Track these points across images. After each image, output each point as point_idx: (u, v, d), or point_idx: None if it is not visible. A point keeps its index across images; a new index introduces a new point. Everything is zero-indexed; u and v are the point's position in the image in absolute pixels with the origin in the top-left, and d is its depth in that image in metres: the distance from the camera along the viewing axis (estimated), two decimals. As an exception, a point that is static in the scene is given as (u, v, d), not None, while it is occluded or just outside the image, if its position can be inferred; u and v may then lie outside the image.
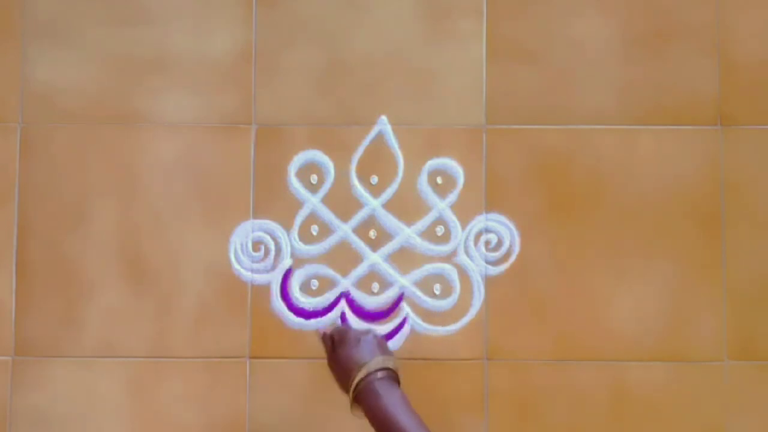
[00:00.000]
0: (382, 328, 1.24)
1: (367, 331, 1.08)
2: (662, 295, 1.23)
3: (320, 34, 1.27)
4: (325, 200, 1.26)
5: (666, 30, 1.26)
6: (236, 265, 1.25)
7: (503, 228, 1.25)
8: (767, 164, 1.25)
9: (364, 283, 1.25)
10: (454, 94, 1.26)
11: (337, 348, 1.08)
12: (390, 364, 1.04)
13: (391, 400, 1.01)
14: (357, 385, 1.02)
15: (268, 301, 1.25)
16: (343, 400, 1.22)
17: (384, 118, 1.26)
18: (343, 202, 1.26)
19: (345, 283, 1.25)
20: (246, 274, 1.25)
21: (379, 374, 1.03)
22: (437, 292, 1.24)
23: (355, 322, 1.24)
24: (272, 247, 1.25)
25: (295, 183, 1.26)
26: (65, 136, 1.27)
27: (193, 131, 1.27)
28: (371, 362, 1.03)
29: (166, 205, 1.26)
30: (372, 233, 1.24)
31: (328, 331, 1.11)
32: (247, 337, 1.24)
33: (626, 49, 1.26)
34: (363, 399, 1.02)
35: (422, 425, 1.00)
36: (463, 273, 1.24)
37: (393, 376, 1.04)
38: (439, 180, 1.25)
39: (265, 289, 1.25)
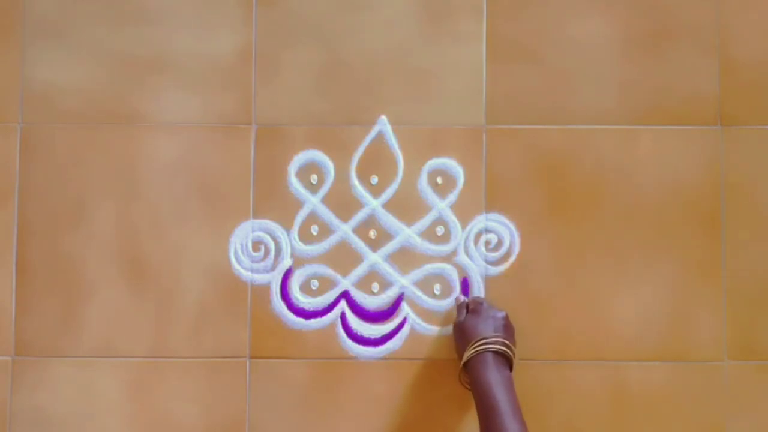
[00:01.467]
0: (382, 328, 1.24)
1: (500, 311, 1.13)
2: (662, 295, 1.23)
3: (320, 34, 1.27)
4: (325, 200, 1.26)
5: (666, 30, 1.26)
6: (236, 265, 1.25)
7: (503, 228, 1.25)
8: (767, 164, 1.25)
9: (364, 283, 1.25)
10: (454, 94, 1.26)
11: (468, 315, 1.12)
12: (507, 350, 1.07)
13: (496, 376, 1.04)
14: (470, 353, 1.05)
15: (268, 301, 1.25)
16: (344, 400, 1.23)
17: (384, 118, 1.26)
18: (343, 202, 1.26)
19: (345, 283, 1.25)
20: (246, 274, 1.25)
21: (494, 350, 1.06)
22: (437, 292, 1.24)
23: (355, 323, 1.24)
24: (272, 247, 1.25)
25: (295, 183, 1.26)
26: (65, 136, 1.27)
27: (193, 131, 1.27)
28: (492, 338, 1.07)
29: (166, 205, 1.26)
30: (372, 233, 1.24)
31: (466, 300, 1.17)
32: (247, 337, 1.24)
33: (626, 49, 1.26)
34: (472, 368, 1.05)
35: (517, 408, 1.03)
36: (463, 273, 1.24)
37: (508, 358, 1.08)
38: (439, 180, 1.25)
39: (265, 289, 1.25)
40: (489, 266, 1.24)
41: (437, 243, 1.25)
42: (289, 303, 1.25)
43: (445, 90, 1.26)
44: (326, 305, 1.25)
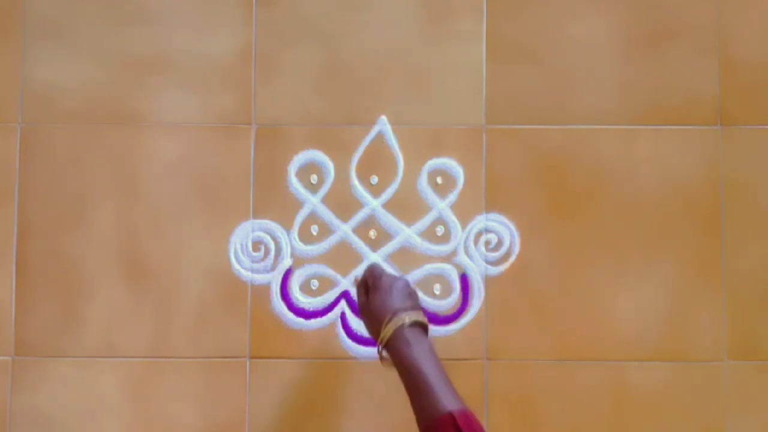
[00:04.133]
0: (382, 328, 1.24)
1: (399, 279, 1.08)
2: (662, 295, 1.23)
3: (320, 34, 1.27)
4: (325, 200, 1.26)
5: (666, 30, 1.26)
6: (236, 265, 1.25)
7: (503, 228, 1.25)
8: (767, 164, 1.25)
9: (364, 283, 1.25)
10: (454, 94, 1.26)
11: (370, 294, 1.08)
12: (420, 318, 1.05)
13: (419, 348, 1.02)
14: (386, 333, 1.03)
15: (268, 301, 1.25)
16: (344, 400, 1.23)
17: (384, 118, 1.26)
18: (343, 202, 1.26)
19: (345, 283, 1.25)
20: (246, 274, 1.25)
21: (409, 323, 1.03)
22: (437, 292, 1.24)
23: (355, 323, 1.24)
24: (272, 247, 1.25)
25: (295, 183, 1.26)
26: (65, 136, 1.27)
27: (193, 131, 1.27)
28: (403, 313, 1.03)
29: (166, 205, 1.26)
30: (372, 233, 1.24)
31: (363, 276, 1.11)
32: (247, 337, 1.24)
33: (626, 49, 1.26)
34: (392, 347, 1.03)
35: (446, 377, 1.01)
36: (463, 273, 1.24)
37: (422, 326, 1.05)
38: (439, 180, 1.25)
39: (265, 289, 1.25)
40: (489, 266, 1.24)
41: (437, 243, 1.25)
42: (289, 303, 1.25)
43: (445, 90, 1.26)
44: (326, 305, 1.25)
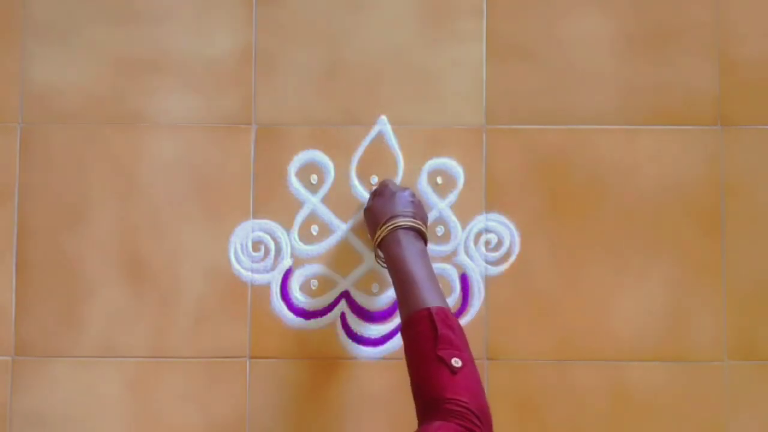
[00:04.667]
0: (382, 328, 1.24)
1: (405, 189, 1.16)
2: (662, 295, 1.23)
3: (320, 34, 1.27)
4: (325, 200, 1.26)
5: (666, 30, 1.26)
6: (236, 265, 1.25)
7: (503, 228, 1.25)
8: (767, 164, 1.25)
9: (364, 283, 1.25)
10: (454, 94, 1.26)
11: (374, 198, 1.16)
12: (417, 225, 1.10)
13: (410, 249, 1.07)
14: (382, 232, 1.09)
15: (268, 301, 1.25)
16: (344, 400, 1.23)
17: (384, 118, 1.26)
18: (343, 202, 1.26)
19: (345, 283, 1.25)
20: (246, 274, 1.25)
21: (405, 226, 1.09)
22: (437, 292, 1.24)
23: (355, 323, 1.24)
24: (272, 247, 1.25)
25: (295, 183, 1.26)
26: (65, 136, 1.27)
27: (193, 131, 1.27)
28: (400, 218, 1.10)
29: (166, 205, 1.26)
30: (368, 231, 1.24)
31: (374, 187, 1.19)
32: (247, 337, 1.24)
33: (626, 49, 1.26)
34: (386, 247, 1.09)
35: (433, 278, 1.05)
36: (463, 273, 1.24)
37: (419, 232, 1.10)
38: (439, 180, 1.25)
39: (265, 289, 1.25)
40: (489, 266, 1.25)
41: (437, 243, 1.25)
42: (289, 303, 1.25)
43: (445, 90, 1.26)
44: (326, 305, 1.25)
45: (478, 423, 0.92)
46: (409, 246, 1.08)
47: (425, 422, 0.93)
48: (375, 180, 1.25)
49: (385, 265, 1.13)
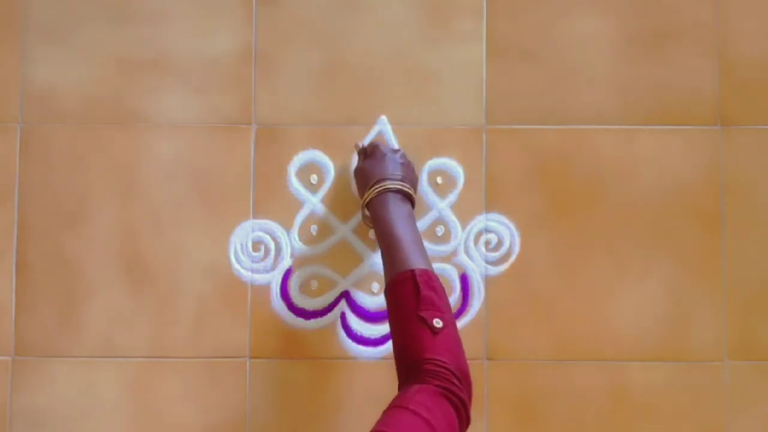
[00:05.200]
0: (382, 328, 1.24)
1: (397, 150, 1.16)
2: (662, 295, 1.23)
3: (320, 34, 1.27)
4: (325, 200, 1.26)
5: (666, 30, 1.26)
6: (236, 265, 1.25)
7: (503, 228, 1.25)
8: (767, 164, 1.25)
9: (364, 283, 1.25)
10: (454, 94, 1.26)
11: (365, 159, 1.15)
12: (405, 188, 1.11)
13: (397, 212, 1.08)
14: (370, 194, 1.10)
15: (268, 301, 1.25)
16: (344, 400, 1.22)
17: (384, 118, 1.26)
18: (343, 202, 1.25)
19: (345, 283, 1.25)
20: (246, 274, 1.25)
21: (393, 188, 1.10)
22: (437, 292, 1.24)
23: (355, 323, 1.24)
24: (272, 247, 1.25)
25: (295, 183, 1.26)
26: (65, 136, 1.27)
27: (193, 131, 1.27)
28: (389, 181, 1.10)
29: (166, 205, 1.26)
30: (372, 233, 1.24)
31: (364, 146, 1.19)
32: (247, 337, 1.24)
33: (626, 49, 1.26)
34: (373, 209, 1.10)
35: (418, 241, 1.06)
36: (463, 273, 1.24)
37: (407, 194, 1.11)
38: (439, 180, 1.25)
39: (265, 289, 1.25)
40: (489, 266, 1.24)
41: (437, 243, 1.25)
42: (289, 303, 1.25)
43: (445, 90, 1.26)
44: (326, 305, 1.25)
45: (457, 383, 0.92)
46: (395, 209, 1.08)
47: (405, 386, 0.93)
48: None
49: (370, 224, 1.14)
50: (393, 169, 1.12)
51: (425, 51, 1.27)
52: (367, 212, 1.13)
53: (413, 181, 1.16)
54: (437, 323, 0.95)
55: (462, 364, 0.95)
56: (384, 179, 1.11)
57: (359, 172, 1.16)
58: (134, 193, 1.26)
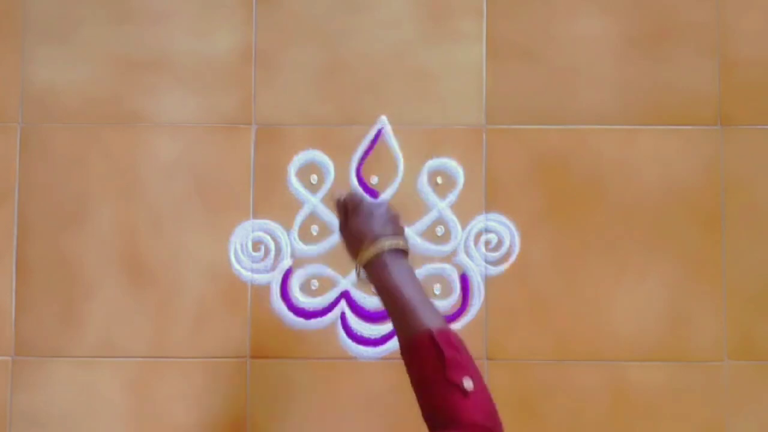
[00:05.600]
0: (382, 328, 1.24)
1: (380, 204, 1.08)
2: (662, 295, 1.23)
3: (320, 34, 1.27)
4: (325, 200, 1.26)
5: (666, 30, 1.26)
6: (236, 265, 1.25)
7: (503, 228, 1.25)
8: (767, 164, 1.25)
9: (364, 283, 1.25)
10: (454, 94, 1.26)
11: (350, 217, 1.08)
12: (401, 244, 1.05)
13: (399, 272, 1.03)
14: (366, 256, 1.03)
15: (268, 301, 1.25)
16: (344, 400, 1.22)
17: (384, 118, 1.26)
18: (343, 202, 1.25)
19: (345, 283, 1.25)
20: (246, 274, 1.25)
21: (388, 248, 1.03)
22: (437, 292, 1.24)
23: (355, 323, 1.24)
24: (272, 247, 1.25)
25: (295, 183, 1.26)
26: (65, 136, 1.27)
27: (193, 131, 1.27)
28: (383, 239, 1.04)
29: (166, 205, 1.26)
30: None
31: (343, 198, 1.09)
32: (247, 337, 1.24)
33: (626, 49, 1.26)
34: (373, 273, 1.04)
35: (426, 298, 1.02)
36: (463, 273, 1.24)
37: (402, 250, 1.05)
38: (439, 180, 1.25)
39: (265, 289, 1.25)
40: (489, 266, 1.24)
41: (437, 243, 1.25)
42: (289, 303, 1.25)
43: (445, 90, 1.26)
44: (326, 305, 1.25)
45: None
46: (396, 269, 1.03)
47: None
48: (375, 181, 1.25)
49: (365, 280, 1.07)
50: (383, 225, 1.06)
51: (425, 51, 1.27)
52: (362, 274, 1.07)
53: (402, 232, 1.09)
54: (468, 385, 0.94)
55: (497, 421, 0.94)
56: (377, 238, 1.04)
57: (346, 232, 1.09)
58: (134, 193, 1.26)
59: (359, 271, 1.06)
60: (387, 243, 1.04)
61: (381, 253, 1.03)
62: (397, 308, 1.01)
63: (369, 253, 1.04)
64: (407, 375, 1.01)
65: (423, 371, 0.97)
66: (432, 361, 0.96)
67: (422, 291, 1.03)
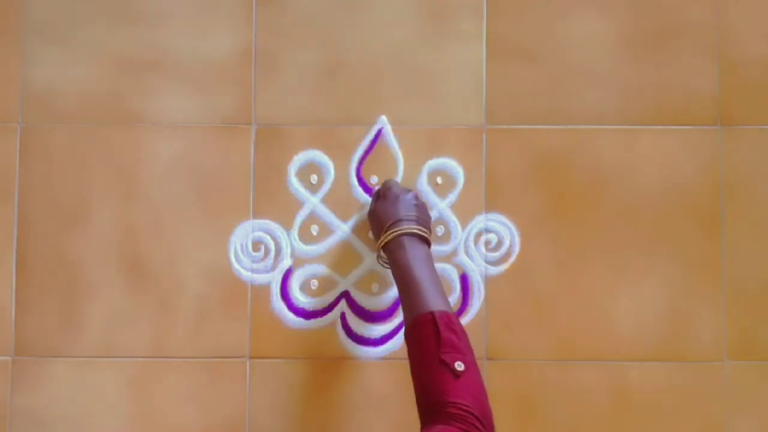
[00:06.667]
0: (382, 328, 1.24)
1: (409, 191, 1.16)
2: (662, 295, 1.23)
3: (320, 34, 1.27)
4: (325, 200, 1.26)
5: (666, 30, 1.26)
6: (236, 265, 1.25)
7: (503, 228, 1.25)
8: (767, 164, 1.25)
9: (364, 283, 1.25)
10: (454, 94, 1.26)
11: (378, 201, 1.16)
12: (421, 231, 1.11)
13: (414, 253, 1.08)
14: (386, 237, 1.10)
15: (268, 301, 1.25)
16: (344, 400, 1.23)
17: (384, 118, 1.26)
18: (343, 202, 1.26)
19: (345, 283, 1.25)
20: (246, 274, 1.25)
21: (408, 231, 1.10)
22: (437, 292, 1.24)
23: (355, 323, 1.24)
24: (272, 247, 1.25)
25: (295, 183, 1.26)
26: (65, 137, 1.27)
27: (193, 131, 1.27)
28: (405, 223, 1.10)
29: (166, 205, 1.26)
30: (372, 233, 1.24)
31: (377, 188, 1.20)
32: (247, 337, 1.24)
33: (626, 49, 1.26)
34: (390, 252, 1.10)
35: (437, 282, 1.06)
36: (463, 273, 1.24)
37: (423, 236, 1.11)
38: (439, 180, 1.25)
39: (265, 289, 1.25)
40: (489, 266, 1.24)
41: (437, 243, 1.25)
42: (289, 303, 1.25)
43: (445, 90, 1.26)
44: (326, 305, 1.25)
45: (480, 427, 0.92)
46: (412, 250, 1.08)
47: (427, 426, 0.93)
48: (375, 180, 1.25)
49: (386, 265, 1.14)
50: (407, 210, 1.12)
51: (425, 51, 1.27)
52: (382, 253, 1.13)
53: (427, 222, 1.15)
54: (459, 366, 0.95)
55: (484, 406, 0.95)
56: (399, 221, 1.11)
57: (373, 215, 1.17)
58: (134, 193, 1.26)
59: (379, 252, 1.12)
60: (407, 227, 1.08)
61: (400, 236, 1.07)
62: (406, 288, 1.05)
63: (389, 234, 1.07)
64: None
65: (420, 351, 0.99)
66: (429, 341, 0.98)
67: (435, 276, 1.06)
